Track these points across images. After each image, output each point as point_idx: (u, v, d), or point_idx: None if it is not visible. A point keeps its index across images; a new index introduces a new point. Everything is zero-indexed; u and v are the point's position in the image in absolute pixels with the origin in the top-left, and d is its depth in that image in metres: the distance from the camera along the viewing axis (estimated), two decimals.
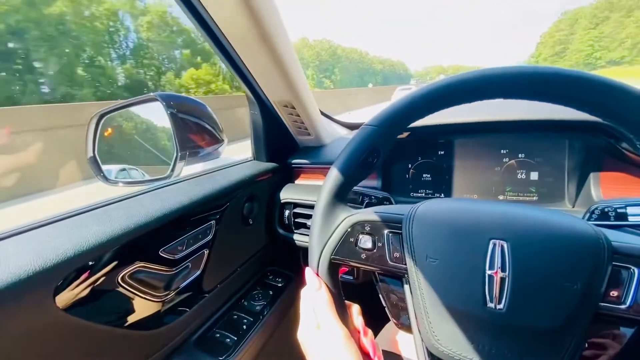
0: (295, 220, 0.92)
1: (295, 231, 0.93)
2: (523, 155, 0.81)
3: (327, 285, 0.44)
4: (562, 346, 0.33)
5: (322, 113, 1.06)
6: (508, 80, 0.37)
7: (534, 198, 0.81)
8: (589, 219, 0.59)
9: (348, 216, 0.45)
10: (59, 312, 0.45)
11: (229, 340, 0.74)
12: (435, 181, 0.91)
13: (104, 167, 0.76)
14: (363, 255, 0.44)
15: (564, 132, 0.76)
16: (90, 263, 0.49)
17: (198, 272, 0.70)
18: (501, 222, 0.37)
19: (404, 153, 0.93)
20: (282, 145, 1.04)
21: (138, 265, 0.57)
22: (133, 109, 0.78)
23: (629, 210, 0.56)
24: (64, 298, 0.46)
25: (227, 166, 0.92)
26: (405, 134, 0.89)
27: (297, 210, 0.92)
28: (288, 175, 1.06)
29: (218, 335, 0.75)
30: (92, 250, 0.48)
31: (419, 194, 0.93)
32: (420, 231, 0.41)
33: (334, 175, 0.46)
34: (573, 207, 0.76)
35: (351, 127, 1.26)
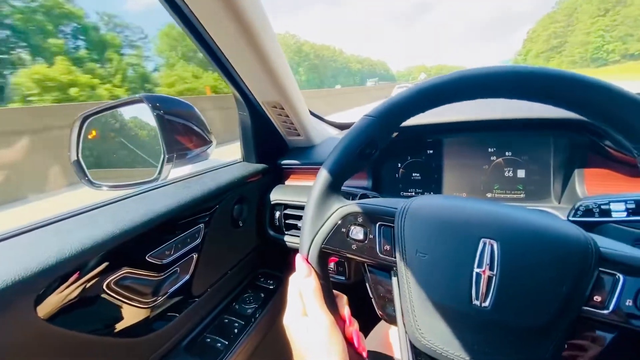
0: (286, 221, 0.92)
1: (286, 232, 0.93)
2: (510, 153, 0.83)
3: (317, 273, 0.44)
4: (543, 346, 0.33)
5: (312, 113, 1.06)
6: (525, 80, 0.36)
7: (521, 195, 0.83)
8: (574, 216, 0.61)
9: (341, 206, 0.45)
10: (40, 323, 0.44)
11: (219, 344, 0.73)
12: (425, 180, 0.92)
13: (89, 171, 0.74)
14: (354, 246, 0.44)
15: (550, 129, 0.77)
16: (74, 270, 0.48)
17: (187, 277, 0.69)
18: (493, 221, 0.38)
19: (394, 153, 0.94)
20: (272, 146, 1.03)
21: (124, 271, 0.55)
22: (118, 110, 0.77)
23: (612, 206, 0.57)
24: (46, 307, 0.45)
25: (215, 168, 0.91)
26: (394, 133, 0.89)
27: (288, 211, 0.92)
28: (278, 176, 1.06)
29: (209, 340, 0.74)
30: (76, 257, 0.47)
31: (409, 193, 0.94)
32: (412, 225, 0.41)
33: (330, 164, 0.45)
34: (559, 203, 0.78)
35: (341, 127, 1.26)
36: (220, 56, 0.73)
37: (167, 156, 0.66)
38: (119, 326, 0.56)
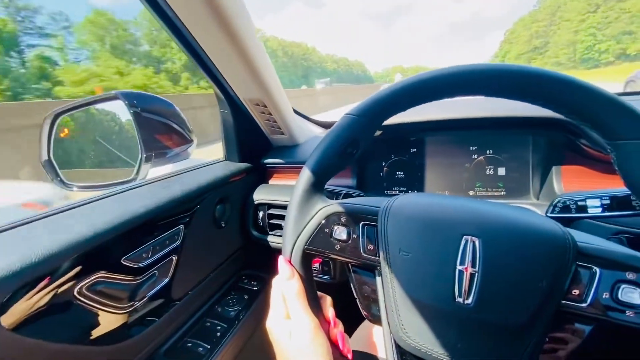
0: (270, 221, 0.90)
1: (270, 233, 0.91)
2: (491, 151, 0.84)
3: (300, 275, 0.43)
4: (525, 341, 0.34)
5: (296, 112, 1.05)
6: (503, 77, 0.36)
7: (502, 193, 0.84)
8: (552, 212, 0.62)
9: (324, 206, 0.44)
10: (5, 333, 0.41)
11: (201, 349, 0.71)
12: (409, 178, 0.92)
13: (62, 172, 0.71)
14: (337, 247, 0.43)
15: (529, 128, 0.79)
16: (43, 275, 0.45)
17: (166, 280, 0.66)
18: (474, 218, 0.38)
19: (378, 151, 0.94)
20: (255, 144, 1.01)
21: (98, 275, 0.53)
22: (92, 107, 0.74)
23: (588, 202, 0.59)
24: (12, 316, 0.42)
25: (197, 167, 0.89)
26: (378, 132, 0.89)
27: (272, 211, 0.90)
28: (262, 175, 1.04)
29: (190, 344, 0.72)
30: (45, 261, 0.44)
31: (393, 192, 0.94)
32: (395, 224, 0.40)
33: (313, 163, 0.45)
34: (538, 200, 0.80)
35: (326, 125, 1.25)
36: (200, 52, 0.71)
37: (144, 155, 0.64)
38: (95, 333, 0.54)
